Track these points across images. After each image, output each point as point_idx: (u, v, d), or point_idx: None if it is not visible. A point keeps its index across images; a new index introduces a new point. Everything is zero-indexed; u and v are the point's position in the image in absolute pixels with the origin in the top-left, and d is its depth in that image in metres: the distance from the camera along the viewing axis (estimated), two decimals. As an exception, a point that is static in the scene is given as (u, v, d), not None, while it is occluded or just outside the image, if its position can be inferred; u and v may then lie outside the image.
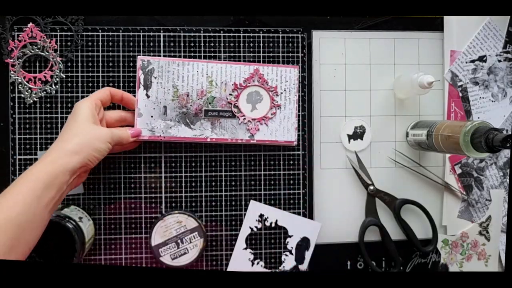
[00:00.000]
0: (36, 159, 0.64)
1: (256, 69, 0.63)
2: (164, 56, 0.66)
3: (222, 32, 0.67)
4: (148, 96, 0.61)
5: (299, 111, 0.65)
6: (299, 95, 0.66)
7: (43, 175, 0.49)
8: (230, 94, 0.63)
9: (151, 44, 0.66)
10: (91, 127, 0.54)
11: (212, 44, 0.67)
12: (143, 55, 0.65)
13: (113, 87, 0.63)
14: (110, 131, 0.56)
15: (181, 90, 0.62)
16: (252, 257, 0.67)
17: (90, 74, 0.65)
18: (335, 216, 0.69)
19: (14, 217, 0.46)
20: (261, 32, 0.68)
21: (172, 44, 0.67)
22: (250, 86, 0.63)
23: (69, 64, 0.65)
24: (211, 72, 0.63)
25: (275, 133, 0.63)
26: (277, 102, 0.63)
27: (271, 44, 0.68)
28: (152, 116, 0.61)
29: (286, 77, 0.64)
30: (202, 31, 0.67)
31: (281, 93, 0.64)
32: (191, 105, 0.62)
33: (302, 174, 0.68)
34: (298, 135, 0.67)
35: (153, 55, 0.65)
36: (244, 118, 0.63)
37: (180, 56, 0.67)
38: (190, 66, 0.62)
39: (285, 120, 0.64)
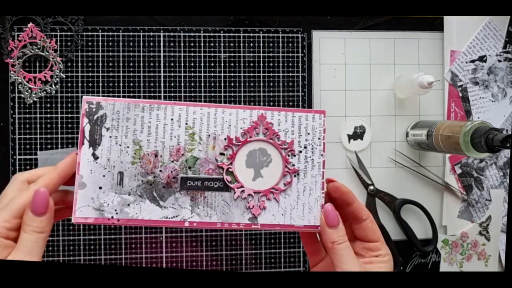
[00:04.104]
0: (36, 159, 0.64)
1: (262, 116, 0.43)
2: (164, 55, 0.66)
3: (222, 32, 0.67)
4: (95, 157, 0.41)
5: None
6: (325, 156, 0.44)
7: None
8: (222, 154, 0.43)
9: (151, 44, 0.66)
10: None
11: (212, 44, 0.67)
12: (88, 95, 0.49)
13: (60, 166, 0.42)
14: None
15: (146, 148, 0.42)
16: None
17: (90, 74, 0.65)
18: (335, 216, 0.69)
19: None
20: (261, 32, 0.68)
21: (172, 44, 0.67)
22: (252, 142, 0.43)
23: (69, 64, 0.65)
24: (192, 119, 0.42)
25: (289, 214, 0.43)
26: (293, 165, 0.43)
27: (271, 44, 0.68)
28: (100, 188, 0.41)
29: (307, 127, 0.44)
30: (202, 31, 0.67)
31: (300, 151, 0.43)
32: (160, 171, 0.42)
33: (302, 174, 0.68)
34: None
35: (105, 96, 0.51)
36: (243, 191, 0.42)
37: (180, 56, 0.67)
38: (161, 111, 0.42)
39: (306, 193, 0.43)
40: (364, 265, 0.41)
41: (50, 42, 0.64)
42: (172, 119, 0.42)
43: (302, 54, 0.68)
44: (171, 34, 0.67)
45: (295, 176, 0.43)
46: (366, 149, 0.70)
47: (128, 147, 0.42)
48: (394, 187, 0.70)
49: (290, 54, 0.68)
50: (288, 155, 0.43)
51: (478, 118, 0.71)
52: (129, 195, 0.42)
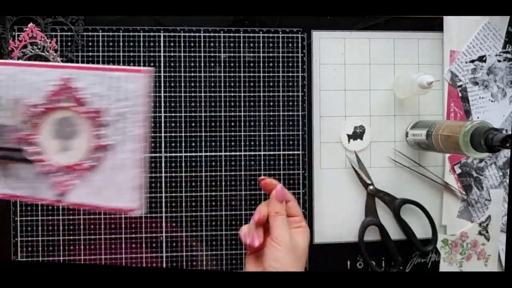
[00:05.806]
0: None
1: (67, 79, 0.35)
2: (164, 55, 0.66)
3: (222, 32, 0.67)
4: None
5: (299, 110, 0.65)
6: (146, 126, 0.37)
7: None
8: (25, 122, 0.36)
9: (151, 44, 0.66)
10: None
11: (212, 44, 0.67)
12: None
13: None
14: None
15: None
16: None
17: (90, 74, 0.65)
18: (335, 216, 0.69)
19: None
20: (261, 32, 0.68)
21: (172, 44, 0.67)
22: (58, 110, 0.36)
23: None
24: None
25: (100, 193, 0.37)
26: (105, 137, 0.36)
27: (271, 44, 0.68)
28: None
29: (123, 90, 0.35)
30: (202, 31, 0.67)
31: (114, 121, 0.36)
32: None
33: (302, 174, 0.68)
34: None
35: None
36: (47, 166, 0.36)
37: (180, 56, 0.67)
38: None
39: (119, 171, 0.36)
40: (291, 232, 0.54)
41: (50, 42, 0.64)
42: None
43: (302, 54, 0.69)
44: (171, 34, 0.67)
45: (107, 150, 0.36)
46: (366, 149, 0.70)
47: None
48: (394, 187, 0.70)
49: (290, 54, 0.68)
50: (98, 125, 0.36)
51: (478, 118, 0.71)
52: None
